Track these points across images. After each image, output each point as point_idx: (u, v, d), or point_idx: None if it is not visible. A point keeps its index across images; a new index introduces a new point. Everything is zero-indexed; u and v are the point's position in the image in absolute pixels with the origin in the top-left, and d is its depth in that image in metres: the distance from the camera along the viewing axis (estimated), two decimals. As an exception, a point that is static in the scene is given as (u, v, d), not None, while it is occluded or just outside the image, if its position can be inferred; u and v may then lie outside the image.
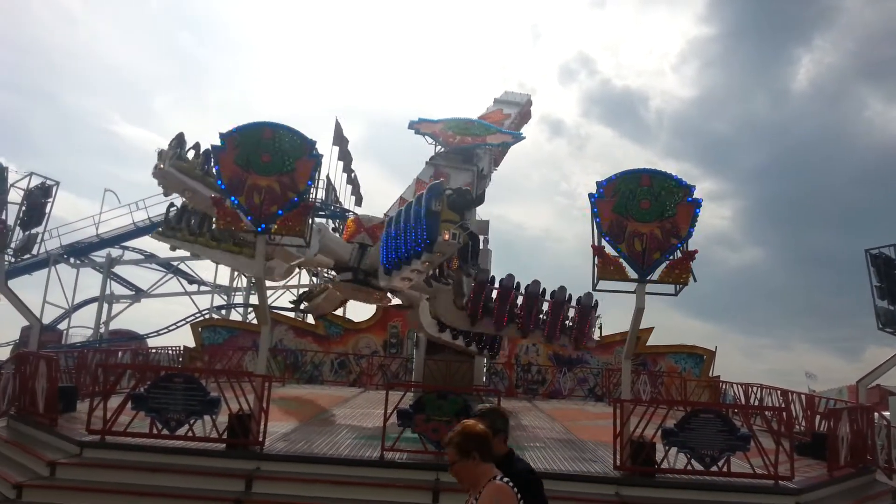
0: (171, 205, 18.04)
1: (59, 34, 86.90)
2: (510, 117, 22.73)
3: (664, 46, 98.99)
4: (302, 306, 18.12)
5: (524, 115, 24.67)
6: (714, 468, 9.61)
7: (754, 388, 18.66)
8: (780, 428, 10.41)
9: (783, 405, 15.37)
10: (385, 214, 16.38)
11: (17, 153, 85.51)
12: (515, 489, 3.23)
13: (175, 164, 14.33)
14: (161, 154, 14.92)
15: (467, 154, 19.25)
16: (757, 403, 17.47)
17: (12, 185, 13.74)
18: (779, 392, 17.13)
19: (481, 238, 20.28)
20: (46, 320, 32.97)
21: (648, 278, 10.41)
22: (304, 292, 18.77)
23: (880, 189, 79.60)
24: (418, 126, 20.14)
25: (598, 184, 10.64)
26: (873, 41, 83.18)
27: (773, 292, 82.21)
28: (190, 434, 9.55)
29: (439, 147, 19.60)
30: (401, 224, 12.87)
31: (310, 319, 27.44)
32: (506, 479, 3.22)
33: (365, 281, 14.73)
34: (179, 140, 14.92)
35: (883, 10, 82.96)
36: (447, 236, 12.35)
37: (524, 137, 20.63)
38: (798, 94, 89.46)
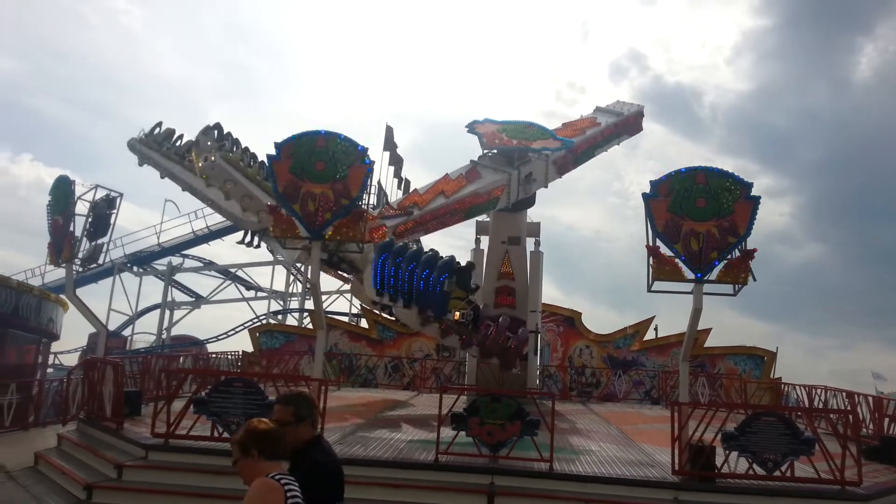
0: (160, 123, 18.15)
1: (120, 52, 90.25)
2: (599, 126, 21.53)
3: (717, 40, 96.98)
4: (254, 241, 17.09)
5: (628, 127, 22.45)
6: (777, 473, 9.35)
7: (818, 390, 18.08)
8: (846, 431, 10.07)
9: (849, 407, 14.87)
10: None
11: (83, 166, 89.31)
12: (289, 484, 3.24)
13: (224, 156, 14.90)
14: (198, 144, 15.55)
15: (510, 156, 19.04)
16: (821, 406, 16.91)
17: (79, 198, 14.27)
18: (844, 394, 16.56)
19: (533, 240, 20.29)
20: (112, 327, 34.25)
21: (706, 278, 10.20)
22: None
23: (951, 181, 76.06)
24: (474, 125, 20.01)
25: (652, 183, 10.49)
26: (941, 26, 79.67)
27: (836, 290, 79.52)
28: (249, 437, 9.75)
29: (486, 149, 19.49)
30: (412, 279, 14.49)
31: (364, 324, 27.76)
32: (277, 476, 3.25)
33: (336, 264, 15.98)
34: (219, 131, 15.49)
35: (950, -4, 79.45)
36: (457, 316, 14.73)
37: (572, 144, 19.79)
38: (860, 84, 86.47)
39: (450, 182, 18.28)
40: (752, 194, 10.30)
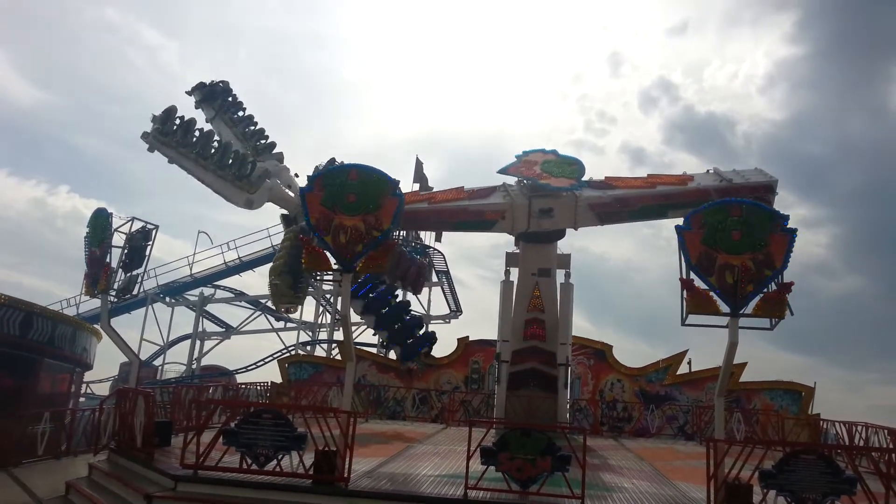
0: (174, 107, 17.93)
1: (159, 88, 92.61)
2: (685, 185, 18.76)
3: (750, 69, 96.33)
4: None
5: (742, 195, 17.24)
6: (818, 514, 9.01)
7: (858, 427, 17.53)
8: (889, 470, 9.70)
9: (892, 445, 14.39)
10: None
11: (121, 198, 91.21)
12: None
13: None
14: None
15: (536, 189, 19.06)
16: (862, 443, 16.39)
17: (115, 230, 14.55)
18: (886, 431, 16.04)
19: (563, 272, 20.13)
20: (143, 357, 34.62)
21: (741, 312, 10.02)
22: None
23: None
24: (524, 155, 19.94)
25: (686, 215, 10.39)
26: (977, 56, 78.35)
27: (878, 323, 77.20)
28: (278, 469, 9.72)
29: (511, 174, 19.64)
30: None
31: (392, 355, 27.70)
32: None
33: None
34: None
35: None
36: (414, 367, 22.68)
37: (573, 189, 18.69)
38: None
39: (447, 192, 19.11)
40: (788, 226, 10.14)
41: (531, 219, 18.63)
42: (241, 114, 19.97)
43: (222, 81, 20.11)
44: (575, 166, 19.53)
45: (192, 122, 17.99)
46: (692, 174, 19.57)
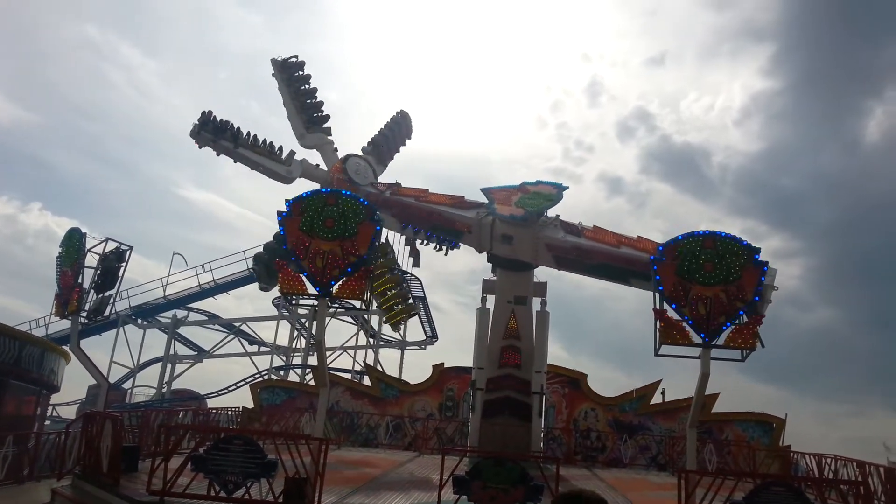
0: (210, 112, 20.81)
1: (139, 107, 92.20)
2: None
3: (726, 101, 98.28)
4: None
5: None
6: (788, 546, 9.05)
7: (828, 460, 17.69)
8: (857, 503, 9.79)
9: (860, 478, 14.52)
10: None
11: (95, 217, 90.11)
12: None
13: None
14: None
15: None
16: (831, 475, 16.52)
17: (89, 250, 14.37)
18: (855, 464, 16.20)
19: (539, 300, 20.18)
20: (112, 379, 33.95)
21: (713, 343, 10.14)
22: None
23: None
24: (538, 184, 20.14)
25: (660, 247, 10.54)
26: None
27: (850, 355, 78.15)
28: (246, 497, 9.57)
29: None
30: None
31: (366, 381, 27.50)
32: None
33: None
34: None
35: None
36: None
37: (511, 218, 18.62)
38: (870, 146, 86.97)
39: (439, 196, 19.92)
40: (759, 259, 10.32)
41: (493, 240, 18.70)
42: (305, 86, 22.63)
43: (296, 56, 22.91)
44: (545, 201, 19.22)
45: (227, 122, 20.67)
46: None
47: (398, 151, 24.68)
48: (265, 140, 21.08)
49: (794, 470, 20.35)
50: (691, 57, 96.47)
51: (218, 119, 20.72)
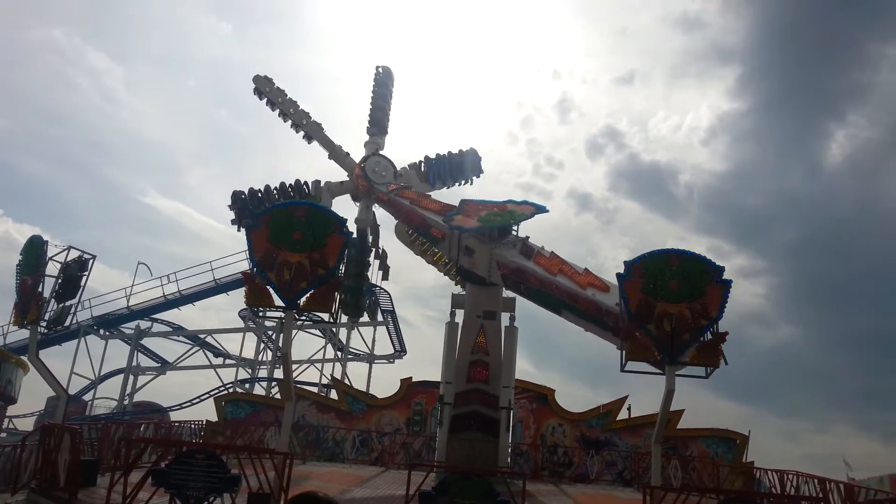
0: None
1: (104, 113, 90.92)
2: (599, 290, 15.64)
3: (693, 121, 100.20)
4: None
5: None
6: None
7: (790, 476, 17.94)
8: (819, 520, 9.95)
9: (821, 495, 14.76)
10: None
11: (58, 224, 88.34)
12: None
13: None
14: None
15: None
16: (793, 492, 16.76)
17: (50, 259, 14.08)
18: (816, 480, 16.45)
19: (508, 315, 20.22)
20: (72, 391, 33.19)
21: (678, 360, 10.26)
22: None
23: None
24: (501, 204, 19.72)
25: (626, 263, 10.66)
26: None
27: (812, 373, 79.76)
28: (209, 513, 9.39)
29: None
30: None
31: (333, 395, 27.28)
32: None
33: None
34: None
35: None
36: None
37: (475, 232, 18.22)
38: (833, 168, 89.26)
39: (432, 202, 20.21)
40: (723, 278, 10.49)
41: (459, 251, 18.70)
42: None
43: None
44: (508, 219, 18.56)
45: (255, 192, 21.39)
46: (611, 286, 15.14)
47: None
48: (287, 186, 21.74)
49: (756, 486, 20.60)
50: (660, 76, 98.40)
51: (245, 194, 21.51)
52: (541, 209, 19.14)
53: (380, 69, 24.06)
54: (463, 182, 24.78)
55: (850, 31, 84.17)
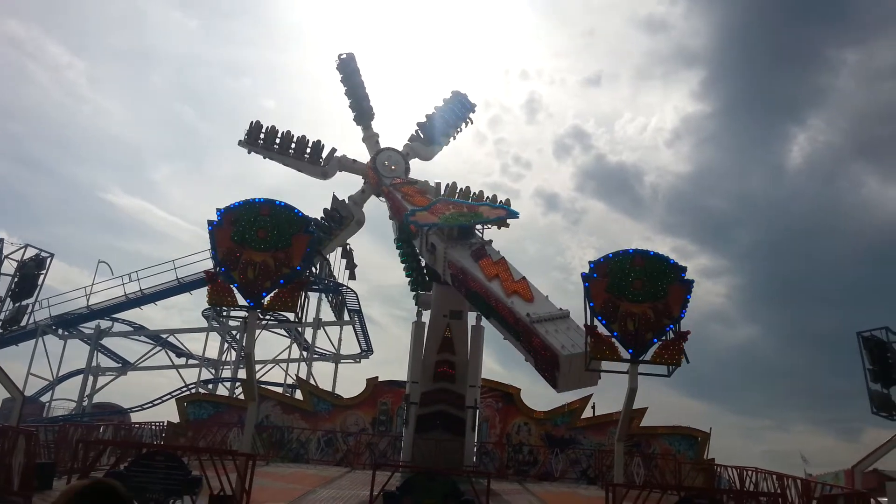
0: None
1: (65, 109, 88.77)
2: (525, 298, 14.87)
3: (659, 123, 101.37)
4: None
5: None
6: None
7: (749, 472, 18.30)
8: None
9: (779, 490, 15.08)
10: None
11: (16, 222, 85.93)
12: None
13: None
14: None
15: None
16: (752, 488, 17.09)
17: (6, 257, 13.73)
18: (774, 476, 16.81)
19: (474, 314, 20.27)
20: (29, 392, 32.39)
21: (641, 359, 10.39)
22: None
23: (878, 268, 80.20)
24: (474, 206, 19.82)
25: (591, 264, 10.76)
26: (867, 121, 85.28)
27: (772, 372, 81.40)
28: (170, 515, 9.24)
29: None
30: None
31: (298, 395, 27.06)
32: None
33: None
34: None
35: (874, 91, 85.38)
36: None
37: (429, 228, 18.09)
38: (793, 171, 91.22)
39: (419, 198, 19.91)
40: (686, 277, 10.64)
41: (424, 247, 18.67)
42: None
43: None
44: (468, 220, 18.33)
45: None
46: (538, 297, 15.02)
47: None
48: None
49: (717, 482, 20.97)
50: (626, 78, 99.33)
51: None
52: (512, 214, 19.23)
53: (342, 56, 23.35)
54: (464, 126, 24.28)
55: (811, 36, 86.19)
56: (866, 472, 21.02)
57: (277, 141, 22.11)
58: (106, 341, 36.81)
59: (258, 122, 22.32)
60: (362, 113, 23.11)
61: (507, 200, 21.99)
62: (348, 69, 23.19)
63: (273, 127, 22.26)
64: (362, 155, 22.85)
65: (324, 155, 22.15)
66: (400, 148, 22.61)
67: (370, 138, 22.77)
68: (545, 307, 14.06)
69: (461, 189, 22.41)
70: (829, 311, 77.84)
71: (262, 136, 22.00)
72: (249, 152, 22.42)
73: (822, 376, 77.74)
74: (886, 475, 24.15)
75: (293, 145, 22.24)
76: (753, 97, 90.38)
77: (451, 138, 23.99)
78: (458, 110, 24.06)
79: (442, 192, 22.07)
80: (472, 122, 24.35)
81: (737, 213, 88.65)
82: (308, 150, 22.22)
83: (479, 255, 16.97)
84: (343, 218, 21.23)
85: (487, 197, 22.43)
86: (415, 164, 23.06)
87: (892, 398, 18.04)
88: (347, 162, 22.54)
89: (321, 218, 21.09)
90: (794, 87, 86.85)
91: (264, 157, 22.55)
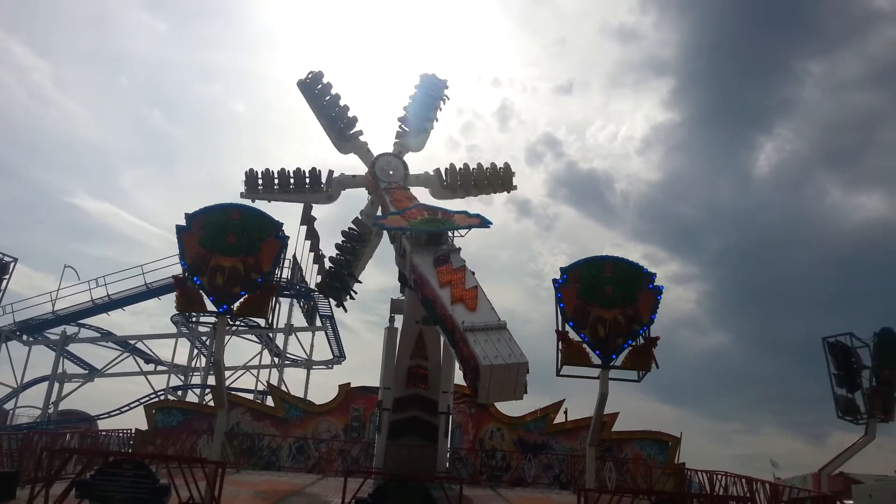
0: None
1: (29, 110, 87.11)
2: (469, 307, 14.29)
3: (629, 131, 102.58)
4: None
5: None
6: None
7: (719, 476, 18.50)
8: (745, 519, 10.28)
9: (748, 494, 15.26)
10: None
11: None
12: None
13: None
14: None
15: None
16: (721, 492, 17.28)
17: (-33, 262, 13.42)
18: (743, 480, 17.01)
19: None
20: (-8, 400, 31.68)
21: (612, 364, 10.46)
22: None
23: (842, 275, 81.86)
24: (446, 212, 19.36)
25: (562, 270, 10.82)
26: (831, 131, 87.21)
27: (741, 376, 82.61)
28: (135, 525, 9.07)
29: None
30: None
31: (270, 402, 26.79)
32: None
33: None
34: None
35: (839, 102, 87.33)
36: None
37: (385, 229, 19.05)
38: (760, 179, 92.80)
39: (407, 203, 19.67)
40: (655, 284, 10.75)
41: (398, 252, 18.62)
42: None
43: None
44: (435, 226, 17.72)
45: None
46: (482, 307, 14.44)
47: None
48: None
49: (687, 486, 21.17)
50: (597, 86, 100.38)
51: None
52: (485, 224, 19.11)
53: (308, 77, 22.82)
54: (442, 105, 23.99)
55: (778, 47, 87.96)
56: (832, 476, 21.45)
57: (276, 181, 21.97)
58: (72, 347, 36.12)
59: (251, 169, 22.14)
60: (339, 133, 22.82)
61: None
62: (311, 91, 22.86)
63: (267, 169, 22.12)
64: (355, 166, 22.92)
65: (323, 179, 22.14)
66: (391, 149, 22.51)
67: (360, 148, 22.60)
68: (484, 317, 13.76)
69: (461, 168, 22.81)
70: (796, 316, 79.29)
71: (259, 181, 21.81)
72: (254, 201, 21.55)
73: (791, 381, 79.03)
74: (852, 478, 24.61)
75: (291, 180, 22.17)
76: (722, 106, 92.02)
77: (434, 121, 23.73)
78: (431, 91, 23.91)
79: (444, 178, 22.43)
80: (448, 99, 24.16)
81: (706, 220, 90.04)
82: (307, 180, 22.15)
83: (440, 261, 16.66)
84: (361, 234, 21.29)
85: (487, 169, 22.99)
86: (411, 157, 22.79)
87: (856, 402, 18.45)
88: (347, 179, 22.45)
89: (343, 241, 21.35)
90: (761, 97, 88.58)
91: (269, 201, 22.11)
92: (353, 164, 22.85)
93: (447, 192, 22.71)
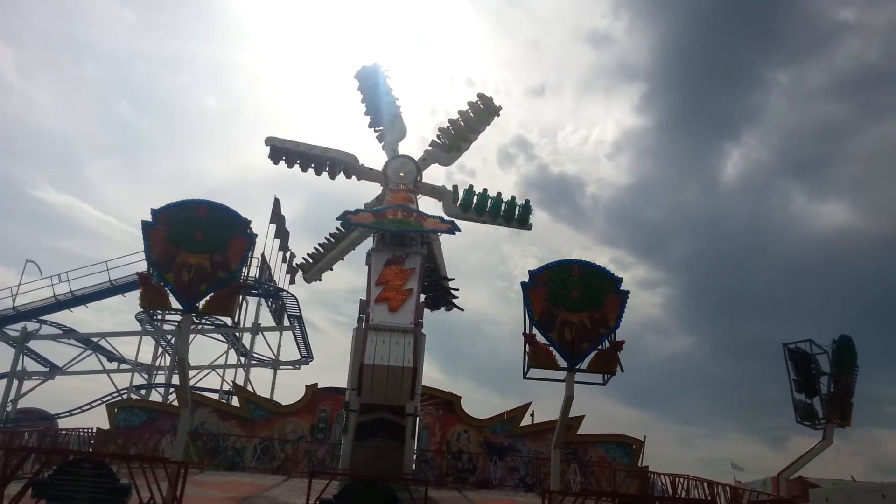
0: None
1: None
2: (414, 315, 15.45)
3: (600, 135, 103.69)
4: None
5: None
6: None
7: (681, 479, 18.74)
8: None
9: (709, 497, 15.49)
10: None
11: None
12: None
13: None
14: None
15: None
16: (684, 495, 17.51)
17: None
18: (705, 484, 17.26)
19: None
20: (-53, 397, 30.86)
21: (577, 367, 10.56)
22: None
23: (803, 281, 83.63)
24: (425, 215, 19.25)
25: (531, 273, 10.90)
26: (796, 139, 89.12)
27: (705, 381, 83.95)
28: (94, 526, 8.91)
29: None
30: None
31: (235, 402, 26.52)
32: None
33: None
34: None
35: (805, 111, 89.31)
36: None
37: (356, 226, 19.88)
38: (727, 186, 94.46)
39: (398, 200, 19.71)
40: (622, 288, 10.88)
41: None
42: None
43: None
44: (398, 226, 17.87)
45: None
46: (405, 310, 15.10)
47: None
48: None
49: (651, 489, 21.42)
50: (569, 90, 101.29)
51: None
52: (452, 230, 19.08)
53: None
54: (389, 84, 23.58)
55: (747, 56, 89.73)
56: (791, 480, 21.86)
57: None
58: (33, 344, 35.39)
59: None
60: (321, 164, 22.53)
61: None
62: (279, 151, 22.14)
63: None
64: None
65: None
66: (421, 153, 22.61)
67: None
68: (397, 319, 13.81)
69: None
70: (759, 322, 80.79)
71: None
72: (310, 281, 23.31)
73: (754, 385, 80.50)
74: (810, 482, 25.15)
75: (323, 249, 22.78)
76: (691, 113, 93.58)
77: (396, 99, 23.49)
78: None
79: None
80: (389, 74, 23.96)
81: (673, 225, 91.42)
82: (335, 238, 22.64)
83: (393, 261, 16.63)
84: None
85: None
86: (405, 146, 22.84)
87: (815, 408, 18.84)
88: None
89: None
90: (729, 104, 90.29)
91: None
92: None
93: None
